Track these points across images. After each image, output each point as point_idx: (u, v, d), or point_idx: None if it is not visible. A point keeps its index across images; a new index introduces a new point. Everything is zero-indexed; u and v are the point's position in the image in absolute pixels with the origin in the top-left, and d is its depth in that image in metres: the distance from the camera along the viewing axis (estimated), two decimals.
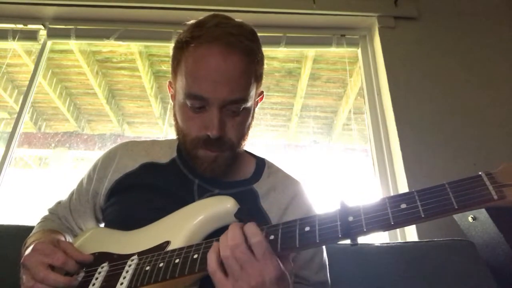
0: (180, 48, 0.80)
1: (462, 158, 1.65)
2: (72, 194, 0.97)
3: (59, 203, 1.00)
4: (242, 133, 0.83)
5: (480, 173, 0.52)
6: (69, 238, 0.90)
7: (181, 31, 0.83)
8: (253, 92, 0.82)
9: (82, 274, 0.72)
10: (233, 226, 0.60)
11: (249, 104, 0.80)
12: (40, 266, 0.66)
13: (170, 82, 0.89)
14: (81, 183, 0.96)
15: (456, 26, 2.00)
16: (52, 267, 0.67)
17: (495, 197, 0.49)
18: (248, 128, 0.85)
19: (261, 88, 0.91)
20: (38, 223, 0.95)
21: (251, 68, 0.79)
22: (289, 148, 2.54)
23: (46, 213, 0.99)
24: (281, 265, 0.57)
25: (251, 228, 0.58)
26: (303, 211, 0.86)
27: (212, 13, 0.83)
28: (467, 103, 1.79)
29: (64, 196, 1.01)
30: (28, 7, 2.03)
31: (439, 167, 1.63)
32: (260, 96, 0.92)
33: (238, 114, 0.79)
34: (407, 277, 1.14)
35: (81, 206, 0.93)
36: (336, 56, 2.34)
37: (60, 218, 0.96)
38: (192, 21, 0.82)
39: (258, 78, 0.85)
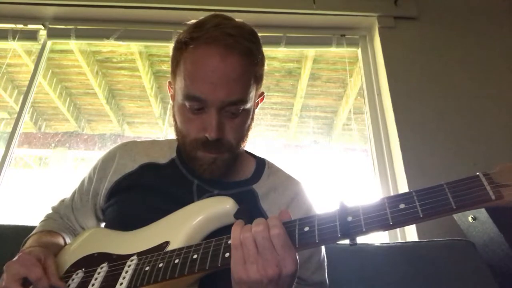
0: (179, 49, 0.80)
1: (462, 158, 1.65)
2: (74, 193, 0.98)
3: (62, 201, 1.00)
4: (241, 135, 0.82)
5: (477, 173, 0.52)
6: (68, 239, 0.90)
7: (181, 31, 0.82)
8: (252, 94, 0.81)
9: (81, 275, 0.73)
10: (258, 218, 0.60)
11: (248, 105, 0.80)
12: (12, 276, 0.67)
13: (169, 82, 0.89)
14: (82, 183, 0.96)
15: (456, 26, 2.00)
16: (28, 281, 0.68)
17: (493, 197, 0.49)
18: (248, 130, 0.85)
19: (261, 89, 0.90)
20: (40, 222, 0.95)
21: (251, 70, 0.79)
22: (289, 148, 2.54)
23: (49, 211, 1.00)
24: (298, 261, 0.57)
25: (273, 220, 0.58)
26: (303, 211, 0.86)
27: (212, 13, 0.82)
28: (467, 103, 1.79)
29: (65, 195, 1.01)
30: (28, 7, 2.03)
31: (439, 167, 1.63)
32: (261, 97, 0.91)
33: (237, 116, 0.79)
34: (407, 277, 1.14)
35: (82, 206, 0.94)
36: (336, 56, 2.34)
37: (62, 217, 0.96)
38: (192, 21, 0.81)
39: (258, 79, 0.84)
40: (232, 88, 0.75)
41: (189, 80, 0.76)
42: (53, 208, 1.00)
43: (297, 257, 0.57)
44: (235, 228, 0.60)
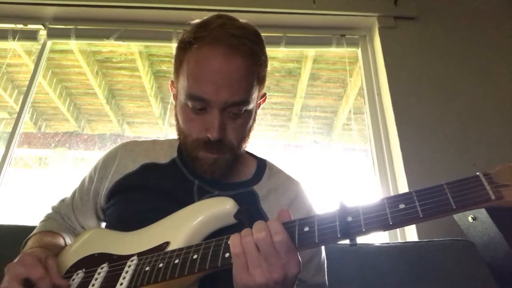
0: (183, 49, 0.80)
1: (462, 158, 1.65)
2: (74, 192, 0.97)
3: (62, 201, 1.00)
4: (243, 136, 0.83)
5: (478, 173, 0.52)
6: (68, 239, 0.90)
7: (181, 31, 0.82)
8: (255, 95, 0.81)
9: (81, 275, 0.73)
10: (258, 222, 0.60)
11: (250, 106, 0.80)
12: (13, 277, 0.67)
13: (172, 82, 0.89)
14: (83, 182, 0.96)
15: (456, 26, 2.00)
16: (30, 282, 0.68)
17: (493, 197, 0.49)
18: (250, 130, 0.85)
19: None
20: (40, 222, 0.95)
21: (254, 70, 0.79)
22: (289, 148, 2.54)
23: (49, 210, 0.99)
24: (301, 262, 0.58)
25: (274, 226, 0.58)
26: (303, 212, 0.86)
27: (217, 13, 0.82)
28: (467, 103, 1.79)
29: (65, 195, 1.01)
30: (28, 7, 2.03)
31: (439, 167, 1.63)
32: (263, 98, 0.91)
33: (239, 116, 0.79)
34: (407, 277, 1.14)
35: (83, 206, 0.93)
36: (336, 56, 2.34)
37: (63, 217, 0.96)
38: (196, 21, 0.81)
39: (261, 81, 0.84)
40: (235, 88, 0.75)
41: (192, 80, 0.76)
42: (54, 208, 0.99)
43: (300, 260, 0.58)
44: (234, 237, 0.60)
